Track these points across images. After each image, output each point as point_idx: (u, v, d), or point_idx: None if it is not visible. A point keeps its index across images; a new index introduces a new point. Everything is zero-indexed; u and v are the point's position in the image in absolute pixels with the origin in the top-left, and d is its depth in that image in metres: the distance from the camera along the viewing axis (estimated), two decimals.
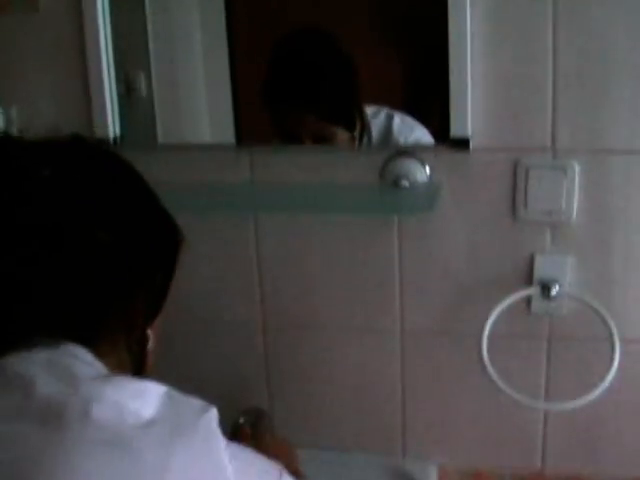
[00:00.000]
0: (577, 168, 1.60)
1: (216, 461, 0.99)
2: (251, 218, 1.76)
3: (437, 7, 1.55)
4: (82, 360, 1.04)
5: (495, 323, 1.65)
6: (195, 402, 1.02)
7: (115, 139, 1.75)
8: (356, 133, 1.68)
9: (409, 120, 1.67)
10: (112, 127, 1.74)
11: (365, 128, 1.67)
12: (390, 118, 1.68)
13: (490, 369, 1.64)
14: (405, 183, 1.63)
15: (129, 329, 1.13)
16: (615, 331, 1.62)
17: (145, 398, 0.98)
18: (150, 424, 0.95)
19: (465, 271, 1.72)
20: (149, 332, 1.18)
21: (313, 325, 1.84)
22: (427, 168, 1.65)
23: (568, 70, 1.56)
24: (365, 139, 1.68)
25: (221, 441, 1.00)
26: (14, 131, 1.76)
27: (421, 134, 1.67)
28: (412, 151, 1.65)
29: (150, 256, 1.14)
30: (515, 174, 1.63)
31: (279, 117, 1.70)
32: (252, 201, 1.71)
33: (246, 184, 1.74)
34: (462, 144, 1.61)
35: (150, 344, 1.19)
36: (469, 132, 1.60)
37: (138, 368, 1.17)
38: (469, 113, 1.59)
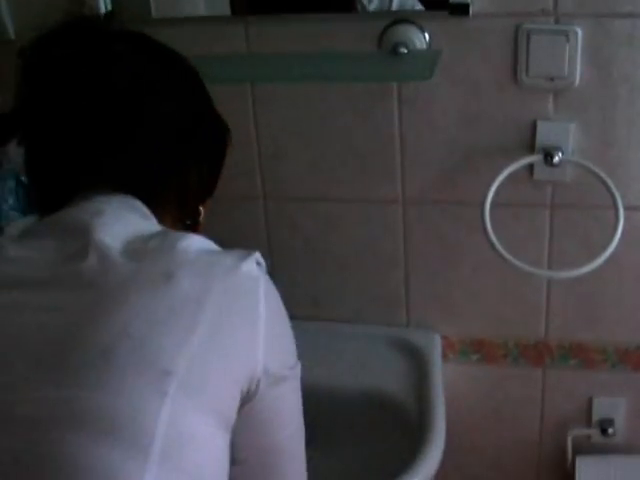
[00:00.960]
0: (580, 32, 1.57)
1: (252, 304, 1.07)
2: (248, 89, 1.74)
3: None
4: (139, 211, 1.16)
5: (497, 191, 1.64)
6: (239, 251, 1.10)
7: (107, 14, 1.71)
8: None
9: None
10: (103, 1, 1.70)
11: None
12: None
13: (492, 237, 1.63)
14: (404, 50, 1.60)
15: (181, 203, 1.24)
16: (618, 198, 1.61)
17: (192, 240, 1.08)
18: (195, 261, 1.05)
19: (466, 139, 1.71)
20: (201, 208, 1.30)
21: (314, 197, 1.83)
22: (426, 35, 1.62)
23: None
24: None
25: (261, 286, 1.08)
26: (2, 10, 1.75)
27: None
28: (411, 18, 1.62)
29: (203, 135, 1.26)
30: (516, 40, 1.60)
31: None
32: (249, 72, 1.69)
33: (242, 55, 1.71)
34: (462, 9, 1.58)
35: (201, 219, 1.30)
36: None
37: None
38: None
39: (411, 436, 1.64)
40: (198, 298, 1.02)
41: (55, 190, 1.20)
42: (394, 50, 1.60)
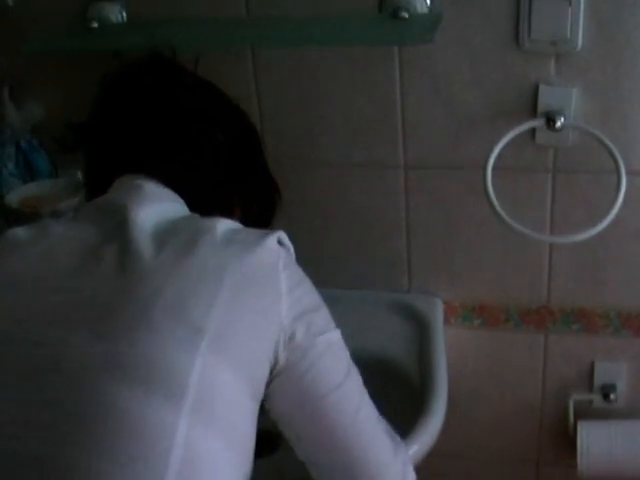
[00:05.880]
0: None
1: (272, 275, 1.15)
2: (249, 54, 1.73)
3: None
4: (173, 197, 1.29)
5: (499, 155, 1.64)
6: (265, 230, 1.21)
7: None
8: None
9: None
10: None
11: None
12: None
13: (494, 201, 1.63)
14: (404, 14, 1.58)
15: None
16: (621, 162, 1.60)
17: (220, 220, 1.19)
18: (218, 234, 1.15)
19: (468, 103, 1.70)
20: None
21: (315, 161, 1.83)
22: None
23: None
24: None
25: (280, 259, 1.17)
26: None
27: None
28: None
29: (252, 180, 1.45)
30: (518, 2, 1.59)
31: None
32: (249, 36, 1.68)
33: (242, 19, 1.71)
34: None
35: None
36: None
37: None
38: None
39: (413, 400, 1.64)
40: (219, 265, 1.11)
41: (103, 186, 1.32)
42: (395, 13, 1.59)
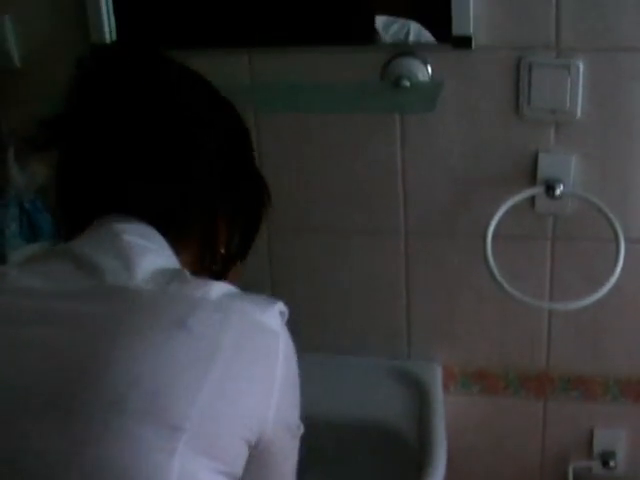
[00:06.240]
0: (581, 66, 1.58)
1: (270, 363, 1.04)
2: (251, 117, 1.74)
3: None
4: (156, 243, 1.13)
5: (499, 223, 1.65)
6: (262, 298, 1.07)
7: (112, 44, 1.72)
8: None
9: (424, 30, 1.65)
10: (108, 31, 1.72)
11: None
12: (405, 26, 1.65)
13: (494, 269, 1.64)
14: (406, 82, 1.60)
15: (205, 247, 1.22)
16: (620, 230, 1.61)
17: (211, 287, 1.04)
18: (211, 308, 1.01)
19: (469, 170, 1.71)
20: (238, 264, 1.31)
21: (316, 226, 1.84)
22: (429, 67, 1.63)
23: None
24: None
25: (280, 344, 1.05)
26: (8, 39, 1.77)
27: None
28: (413, 50, 1.63)
29: (239, 187, 1.26)
30: (518, 72, 1.61)
31: None
32: (252, 100, 1.70)
33: (246, 84, 1.73)
34: (464, 42, 1.59)
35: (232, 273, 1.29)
36: (471, 30, 1.58)
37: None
38: (471, 10, 1.57)
39: (412, 467, 1.64)
40: (210, 349, 0.99)
41: (78, 206, 1.20)
42: (397, 82, 1.61)
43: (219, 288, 1.05)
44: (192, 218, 1.20)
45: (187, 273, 1.08)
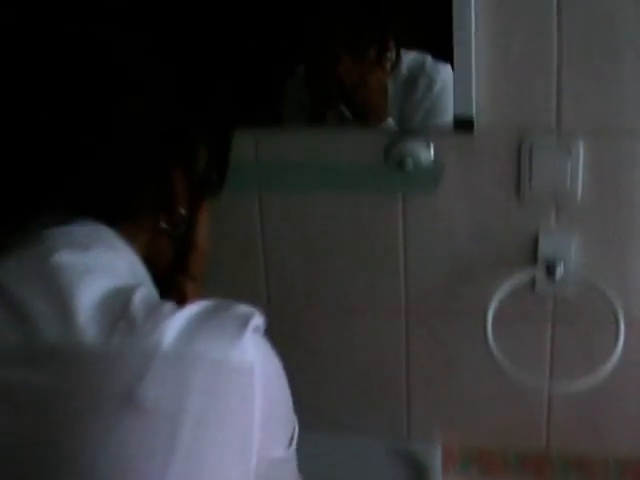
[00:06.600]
0: (582, 148, 1.60)
1: (245, 406, 0.88)
2: (255, 196, 1.76)
3: None
4: (104, 244, 0.96)
5: (499, 303, 1.65)
6: (232, 324, 0.90)
7: None
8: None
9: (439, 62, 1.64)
10: None
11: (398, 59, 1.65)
12: (421, 58, 1.66)
13: (494, 350, 1.63)
14: (409, 163, 1.62)
15: (165, 209, 1.02)
16: (620, 312, 1.61)
17: (167, 327, 0.85)
18: (167, 360, 0.84)
19: (470, 250, 1.72)
20: (198, 228, 1.10)
21: (317, 303, 1.83)
22: (432, 148, 1.64)
23: (573, 49, 1.55)
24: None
25: (255, 377, 0.88)
26: None
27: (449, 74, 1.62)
28: (416, 131, 1.64)
29: (195, 130, 1.04)
30: (520, 153, 1.63)
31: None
32: (256, 181, 1.71)
33: (251, 163, 1.74)
34: (466, 125, 1.61)
35: (198, 238, 1.10)
36: (473, 111, 1.60)
37: (180, 259, 1.09)
38: (473, 92, 1.59)
39: None
40: (169, 426, 0.82)
41: (9, 203, 0.98)
42: (400, 163, 1.63)
43: (175, 323, 0.86)
44: (135, 196, 0.99)
45: (136, 303, 0.87)
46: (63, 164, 0.94)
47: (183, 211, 1.04)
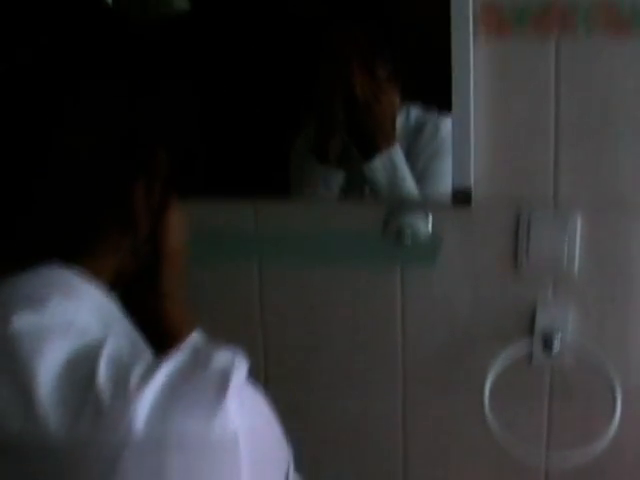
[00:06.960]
0: (579, 220, 1.61)
1: (232, 473, 0.79)
2: (255, 267, 1.77)
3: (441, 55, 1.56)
4: (62, 290, 0.86)
5: (496, 374, 1.65)
6: (212, 388, 0.78)
7: None
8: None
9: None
10: None
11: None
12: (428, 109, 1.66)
13: (491, 422, 1.63)
14: (408, 237, 1.63)
15: (128, 226, 0.92)
16: (617, 384, 1.61)
17: (135, 411, 0.75)
18: (141, 439, 0.74)
19: (467, 322, 1.72)
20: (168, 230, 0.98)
21: (314, 373, 1.83)
22: (430, 220, 1.65)
23: (571, 122, 1.57)
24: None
25: (240, 442, 0.78)
26: None
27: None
28: (415, 203, 1.66)
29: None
30: (517, 225, 1.64)
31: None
32: (256, 252, 1.72)
33: (250, 235, 1.75)
34: (464, 197, 1.62)
35: (168, 248, 0.99)
36: (471, 183, 1.61)
37: (153, 277, 1.01)
38: (472, 165, 1.60)
39: None
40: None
41: None
42: (398, 234, 1.64)
43: (146, 400, 0.75)
44: (94, 224, 0.90)
45: (102, 375, 0.77)
46: (13, 207, 0.87)
47: (147, 222, 0.94)
